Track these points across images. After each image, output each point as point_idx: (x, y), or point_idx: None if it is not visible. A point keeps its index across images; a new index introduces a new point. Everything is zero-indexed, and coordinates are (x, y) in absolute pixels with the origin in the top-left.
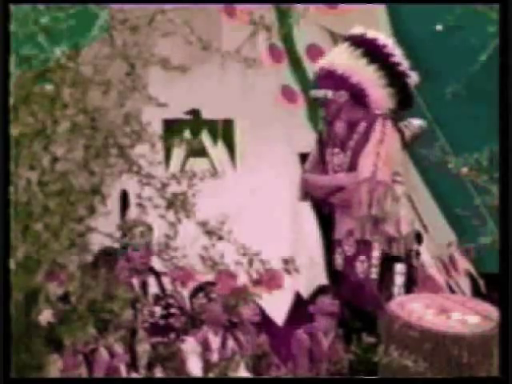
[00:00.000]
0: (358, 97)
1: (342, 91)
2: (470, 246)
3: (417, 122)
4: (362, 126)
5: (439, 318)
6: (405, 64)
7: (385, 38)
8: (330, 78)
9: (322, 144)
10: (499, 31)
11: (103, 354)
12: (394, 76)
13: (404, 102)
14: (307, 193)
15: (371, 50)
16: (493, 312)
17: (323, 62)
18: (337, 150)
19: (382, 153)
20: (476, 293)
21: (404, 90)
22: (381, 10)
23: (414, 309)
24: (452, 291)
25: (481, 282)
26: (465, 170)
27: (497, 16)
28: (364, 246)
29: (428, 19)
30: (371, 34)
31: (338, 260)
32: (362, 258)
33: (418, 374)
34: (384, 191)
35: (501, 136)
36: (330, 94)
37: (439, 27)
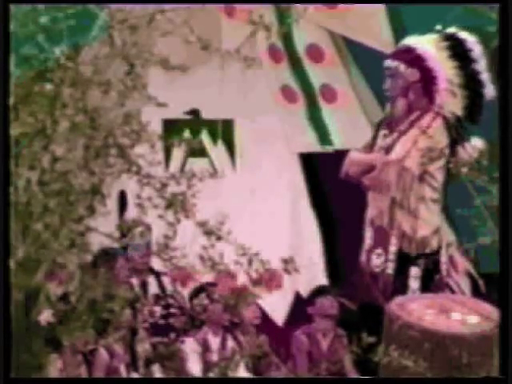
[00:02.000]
0: (427, 83)
1: (415, 69)
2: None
3: (478, 143)
4: (415, 114)
5: (439, 317)
6: (485, 75)
7: (474, 42)
8: (407, 54)
9: (379, 126)
10: (499, 31)
11: (103, 354)
12: (470, 81)
13: (471, 112)
14: (346, 171)
15: (457, 47)
16: (493, 312)
17: (406, 40)
18: (386, 132)
19: (421, 143)
20: (476, 293)
21: (476, 99)
22: (381, 9)
23: (414, 309)
24: (452, 291)
25: (481, 282)
26: (465, 170)
27: (497, 16)
28: (381, 239)
29: (428, 19)
30: (462, 34)
31: (363, 257)
32: (379, 251)
33: (417, 373)
34: (410, 179)
35: (501, 136)
36: (402, 67)
37: (439, 27)
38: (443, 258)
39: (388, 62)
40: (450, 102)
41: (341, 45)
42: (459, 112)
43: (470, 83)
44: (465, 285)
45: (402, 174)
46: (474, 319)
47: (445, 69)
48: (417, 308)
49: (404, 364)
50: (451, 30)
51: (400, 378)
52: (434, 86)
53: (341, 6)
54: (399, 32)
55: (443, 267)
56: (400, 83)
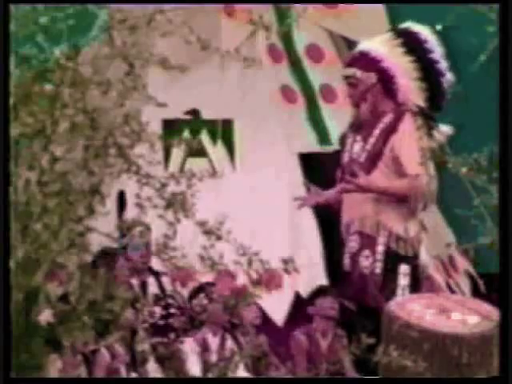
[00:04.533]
0: (386, 83)
1: (371, 73)
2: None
3: (446, 129)
4: (389, 117)
5: (439, 317)
6: (443, 63)
7: (428, 33)
8: (362, 59)
9: (343, 139)
10: (499, 31)
11: (104, 354)
12: (428, 72)
13: (434, 101)
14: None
15: (411, 42)
16: (493, 312)
17: (360, 45)
18: (359, 137)
19: (424, 149)
20: (476, 293)
21: (436, 89)
22: (380, 9)
23: (414, 309)
24: (452, 291)
25: (480, 282)
26: (464, 170)
27: (496, 16)
28: (368, 241)
29: (428, 19)
30: (415, 27)
31: (346, 260)
32: (367, 252)
33: (417, 374)
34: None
35: (500, 136)
36: (358, 73)
37: (439, 27)
38: (423, 256)
39: (345, 71)
40: (413, 95)
41: (341, 45)
42: (422, 103)
43: (428, 74)
44: (465, 285)
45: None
46: (474, 319)
47: (402, 64)
48: (417, 308)
49: (404, 364)
50: (404, 25)
51: (400, 378)
52: (393, 85)
53: (341, 6)
54: None
55: (422, 264)
56: (360, 89)
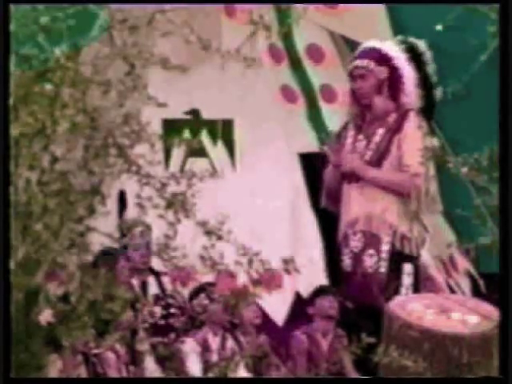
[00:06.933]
0: (395, 82)
1: (383, 67)
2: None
3: (434, 142)
4: (392, 117)
5: (439, 317)
6: (435, 78)
7: (425, 47)
8: (374, 53)
9: (345, 127)
10: (499, 31)
11: (111, 355)
12: (424, 82)
13: (426, 111)
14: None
15: (412, 50)
16: (493, 312)
17: (369, 43)
18: (361, 136)
19: (414, 143)
20: (476, 293)
21: (430, 99)
22: (381, 9)
23: (414, 309)
24: (452, 291)
25: (481, 282)
26: (465, 170)
27: (497, 16)
28: (372, 240)
29: (428, 19)
30: (414, 40)
31: (346, 261)
32: (371, 251)
33: (417, 373)
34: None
35: (501, 136)
36: (372, 64)
37: (439, 27)
38: (424, 257)
39: (357, 62)
40: (414, 100)
41: (341, 45)
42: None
43: (424, 84)
44: (465, 285)
45: (424, 183)
46: (474, 319)
47: (407, 68)
48: (417, 308)
49: (404, 364)
50: (402, 37)
51: (400, 378)
52: (400, 84)
53: (341, 6)
54: (399, 32)
55: (423, 264)
56: (372, 81)
